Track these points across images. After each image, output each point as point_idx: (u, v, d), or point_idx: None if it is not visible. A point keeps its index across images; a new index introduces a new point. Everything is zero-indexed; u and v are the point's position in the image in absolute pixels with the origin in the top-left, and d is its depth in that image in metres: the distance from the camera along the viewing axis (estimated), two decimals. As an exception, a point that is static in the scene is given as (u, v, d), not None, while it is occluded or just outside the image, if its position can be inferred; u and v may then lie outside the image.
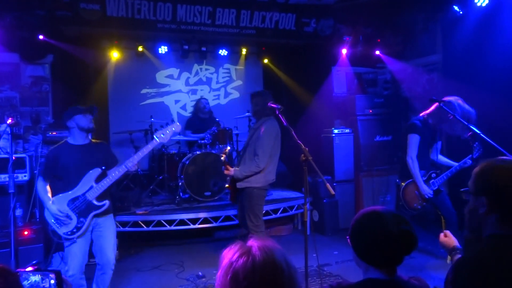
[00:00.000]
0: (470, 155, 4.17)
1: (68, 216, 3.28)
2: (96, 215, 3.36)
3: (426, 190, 4.18)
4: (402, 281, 1.52)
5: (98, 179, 3.33)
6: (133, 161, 3.33)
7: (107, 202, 3.37)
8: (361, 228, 1.53)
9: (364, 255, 1.53)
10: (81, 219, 3.29)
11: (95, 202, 3.32)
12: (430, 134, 4.25)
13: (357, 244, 1.54)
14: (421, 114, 4.31)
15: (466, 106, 3.87)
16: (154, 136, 3.46)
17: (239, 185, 4.03)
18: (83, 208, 3.30)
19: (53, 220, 3.28)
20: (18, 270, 1.41)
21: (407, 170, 4.23)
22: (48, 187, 3.41)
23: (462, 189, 1.54)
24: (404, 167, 4.31)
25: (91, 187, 3.30)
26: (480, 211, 1.52)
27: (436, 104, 4.02)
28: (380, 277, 1.50)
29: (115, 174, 3.32)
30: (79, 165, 3.34)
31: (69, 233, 3.28)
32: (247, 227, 4.05)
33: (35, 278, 1.39)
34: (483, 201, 1.51)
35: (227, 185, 4.21)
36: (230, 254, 1.22)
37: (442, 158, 4.42)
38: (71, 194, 3.30)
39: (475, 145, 4.15)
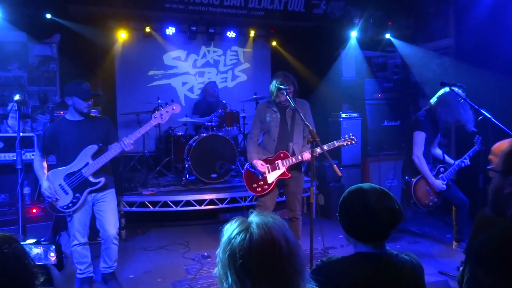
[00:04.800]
0: (468, 153, 4.12)
1: (63, 190, 3.34)
2: (93, 191, 3.40)
3: (440, 185, 4.09)
4: (391, 254, 1.55)
5: (95, 156, 3.35)
6: (129, 140, 3.32)
7: (102, 179, 3.39)
8: (346, 205, 1.58)
9: (351, 231, 1.58)
10: (77, 195, 3.34)
11: (91, 179, 3.35)
12: (432, 128, 4.17)
13: (343, 221, 1.60)
14: (424, 109, 4.22)
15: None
16: (152, 116, 3.44)
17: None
18: (78, 184, 3.34)
19: (48, 193, 3.34)
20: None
21: (414, 166, 4.14)
22: (44, 163, 3.44)
23: (488, 167, 1.50)
24: (410, 164, 4.22)
25: (87, 164, 3.33)
26: (506, 190, 1.50)
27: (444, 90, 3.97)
28: (369, 251, 1.55)
29: (111, 152, 3.33)
30: (76, 141, 3.35)
31: (65, 206, 3.36)
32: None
33: (38, 250, 1.38)
34: (511, 181, 1.48)
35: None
36: (229, 231, 1.20)
37: (437, 151, 4.35)
38: (67, 169, 3.34)
39: (475, 138, 4.09)
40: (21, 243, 1.34)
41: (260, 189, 3.93)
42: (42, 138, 3.51)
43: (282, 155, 3.90)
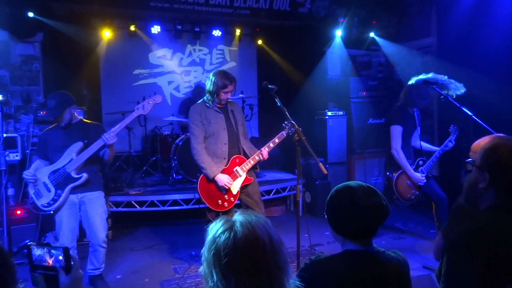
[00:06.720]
0: (450, 137, 4.19)
1: (47, 188, 3.34)
2: (75, 188, 3.38)
3: (419, 178, 4.17)
4: (378, 251, 1.58)
5: (80, 153, 3.36)
6: (111, 134, 3.32)
7: (84, 175, 3.38)
8: (334, 204, 1.59)
9: (339, 229, 1.60)
10: (59, 192, 3.34)
11: (73, 175, 3.35)
12: (411, 121, 4.25)
13: (331, 219, 1.61)
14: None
15: None
16: (135, 108, 3.45)
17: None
18: (61, 180, 3.34)
19: (33, 192, 3.35)
20: (30, 243, 1.40)
21: (395, 162, 4.22)
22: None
23: (467, 160, 1.56)
24: (390, 159, 4.29)
25: (71, 160, 3.34)
26: (481, 185, 1.53)
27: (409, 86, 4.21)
28: (357, 248, 1.57)
29: (93, 146, 3.33)
30: (65, 143, 3.38)
31: (46, 204, 3.34)
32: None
33: (39, 252, 1.38)
34: (486, 176, 1.52)
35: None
36: (214, 230, 1.22)
37: (425, 144, 4.43)
38: (53, 166, 3.36)
39: (450, 128, 4.19)
40: (33, 244, 1.35)
41: (227, 203, 3.64)
42: (37, 144, 3.56)
43: (237, 160, 3.67)
